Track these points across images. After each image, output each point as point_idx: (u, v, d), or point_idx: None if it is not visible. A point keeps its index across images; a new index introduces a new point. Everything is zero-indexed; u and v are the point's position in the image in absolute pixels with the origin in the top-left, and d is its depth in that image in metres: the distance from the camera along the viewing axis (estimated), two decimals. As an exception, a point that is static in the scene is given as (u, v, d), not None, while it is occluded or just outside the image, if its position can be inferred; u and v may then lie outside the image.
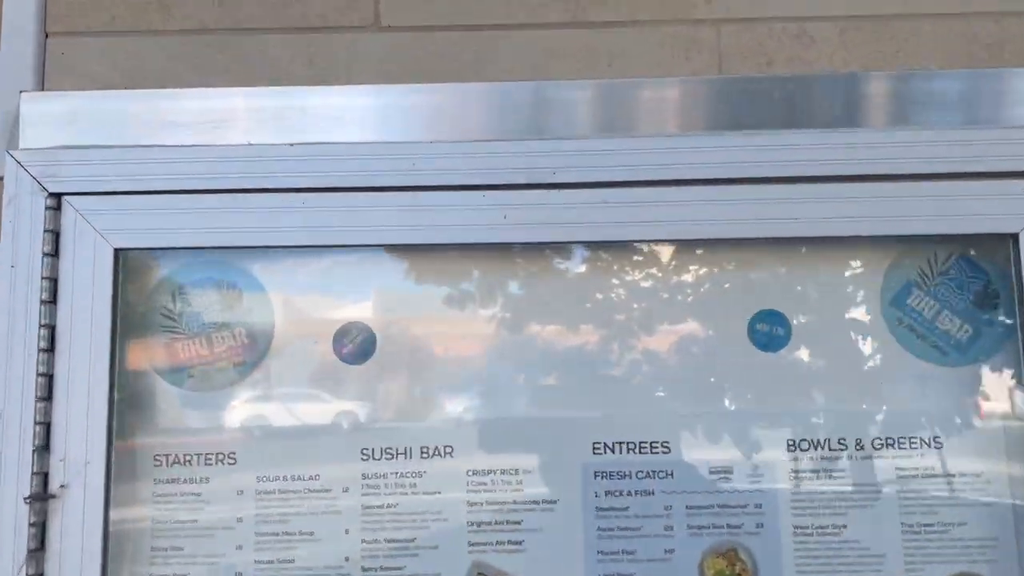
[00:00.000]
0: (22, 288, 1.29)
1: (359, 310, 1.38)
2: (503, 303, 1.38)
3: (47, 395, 1.28)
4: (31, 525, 1.25)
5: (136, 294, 1.37)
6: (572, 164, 1.31)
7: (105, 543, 1.27)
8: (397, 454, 1.34)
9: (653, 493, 1.31)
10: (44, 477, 1.27)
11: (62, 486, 1.27)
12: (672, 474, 1.32)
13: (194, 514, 1.32)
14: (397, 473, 1.33)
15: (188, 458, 1.34)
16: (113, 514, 1.29)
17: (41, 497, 1.26)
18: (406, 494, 1.32)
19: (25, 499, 1.25)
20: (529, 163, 1.31)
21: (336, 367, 1.37)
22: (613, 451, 1.33)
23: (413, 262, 1.39)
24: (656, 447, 1.33)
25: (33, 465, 1.26)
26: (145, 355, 1.36)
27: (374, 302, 1.39)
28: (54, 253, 1.31)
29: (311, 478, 1.33)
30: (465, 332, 1.38)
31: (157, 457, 1.34)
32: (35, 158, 1.33)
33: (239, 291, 1.38)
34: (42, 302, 1.29)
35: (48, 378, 1.28)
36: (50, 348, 1.29)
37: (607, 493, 1.32)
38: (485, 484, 1.32)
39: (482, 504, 1.32)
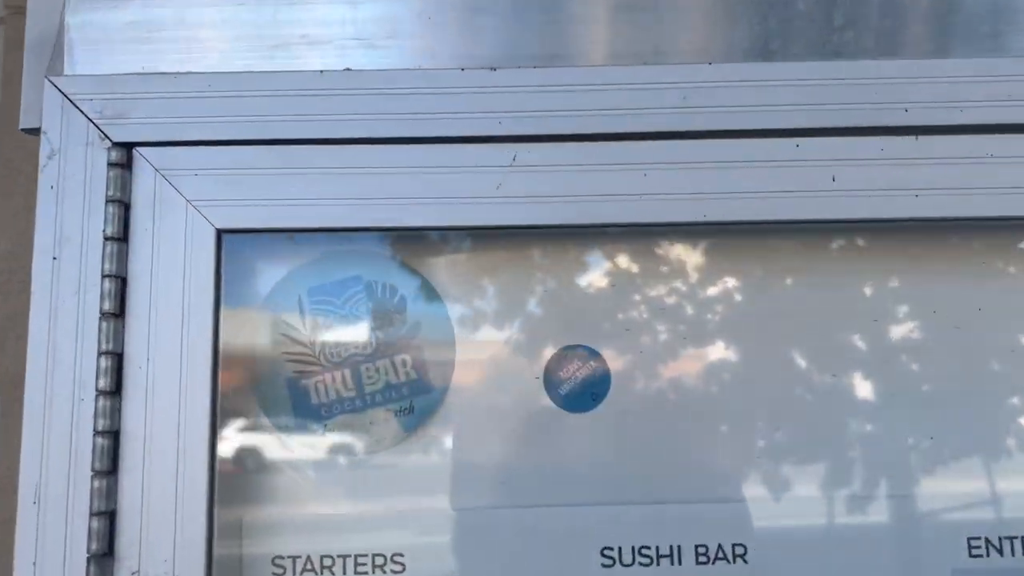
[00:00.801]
0: (69, 297, 0.80)
1: (585, 333, 0.90)
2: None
3: (109, 468, 0.79)
4: None
5: (240, 302, 0.89)
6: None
7: None
8: (659, 557, 0.85)
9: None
10: (105, 606, 0.78)
11: (135, 617, 0.78)
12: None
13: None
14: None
15: (328, 563, 0.85)
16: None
17: (101, 637, 0.76)
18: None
19: (75, 642, 0.76)
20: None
21: (552, 416, 0.88)
22: (1000, 552, 0.84)
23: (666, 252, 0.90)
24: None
25: (86, 584, 0.77)
26: (256, 399, 0.87)
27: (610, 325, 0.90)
28: (122, 237, 0.82)
29: (524, 595, 0.84)
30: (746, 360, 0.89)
31: (278, 563, 0.85)
32: (90, 88, 0.85)
33: (402, 300, 0.90)
34: (104, 315, 0.80)
35: (112, 458, 0.79)
36: (115, 391, 0.80)
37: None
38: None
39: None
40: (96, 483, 0.78)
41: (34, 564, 0.77)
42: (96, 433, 0.78)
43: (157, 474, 0.79)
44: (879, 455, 0.88)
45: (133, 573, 0.78)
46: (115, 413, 0.79)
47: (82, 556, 0.77)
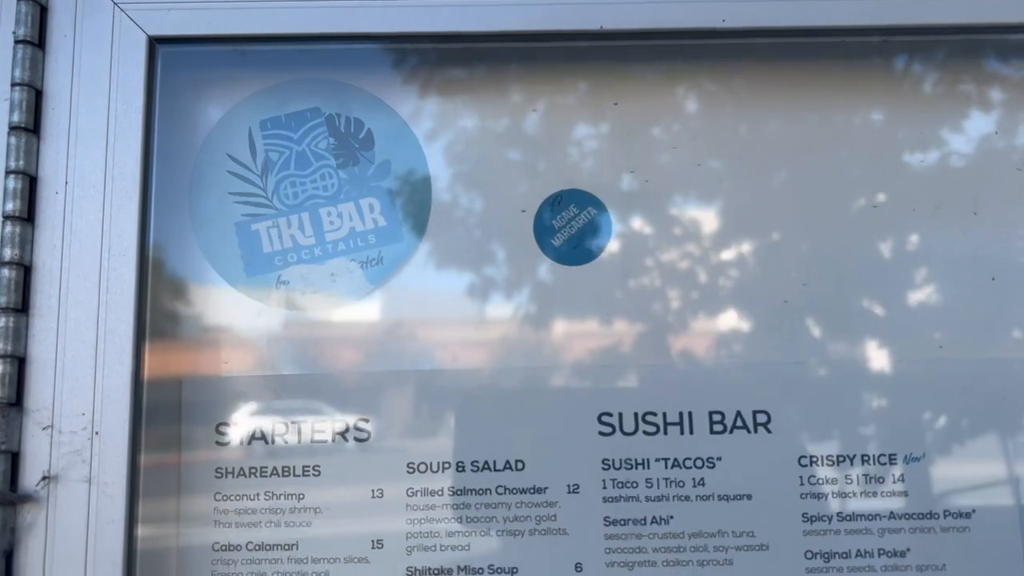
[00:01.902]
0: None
1: (583, 171, 0.77)
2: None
3: (19, 306, 0.67)
4: (-16, 555, 0.63)
5: (183, 136, 0.76)
6: None
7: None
8: (666, 425, 0.73)
9: None
10: (12, 461, 0.66)
11: (45, 478, 0.66)
12: None
13: (291, 533, 0.71)
14: (659, 462, 0.72)
15: (281, 430, 0.73)
16: (143, 541, 0.68)
17: (6, 499, 0.64)
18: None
19: (-28, 503, 0.64)
20: None
21: (543, 268, 0.76)
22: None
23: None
24: None
25: (-9, 437, 0.65)
26: (199, 243, 0.75)
27: (607, 156, 0.77)
28: (37, 42, 0.70)
29: (508, 466, 0.72)
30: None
31: (223, 431, 0.73)
32: None
33: (366, 132, 0.77)
34: (14, 129, 0.68)
35: (22, 278, 0.67)
36: (27, 218, 0.68)
37: None
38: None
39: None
40: (2, 321, 0.66)
41: (-72, 416, 0.65)
42: (2, 263, 0.66)
43: (75, 316, 0.67)
44: (908, 318, 0.75)
45: (45, 428, 0.66)
46: (26, 244, 0.67)
47: (-17, 405, 0.65)
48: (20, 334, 0.66)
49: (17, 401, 0.66)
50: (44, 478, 0.65)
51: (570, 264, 0.76)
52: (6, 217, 0.67)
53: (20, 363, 0.66)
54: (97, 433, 0.66)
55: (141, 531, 0.68)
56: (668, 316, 0.75)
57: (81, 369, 0.67)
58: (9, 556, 0.65)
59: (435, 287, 0.76)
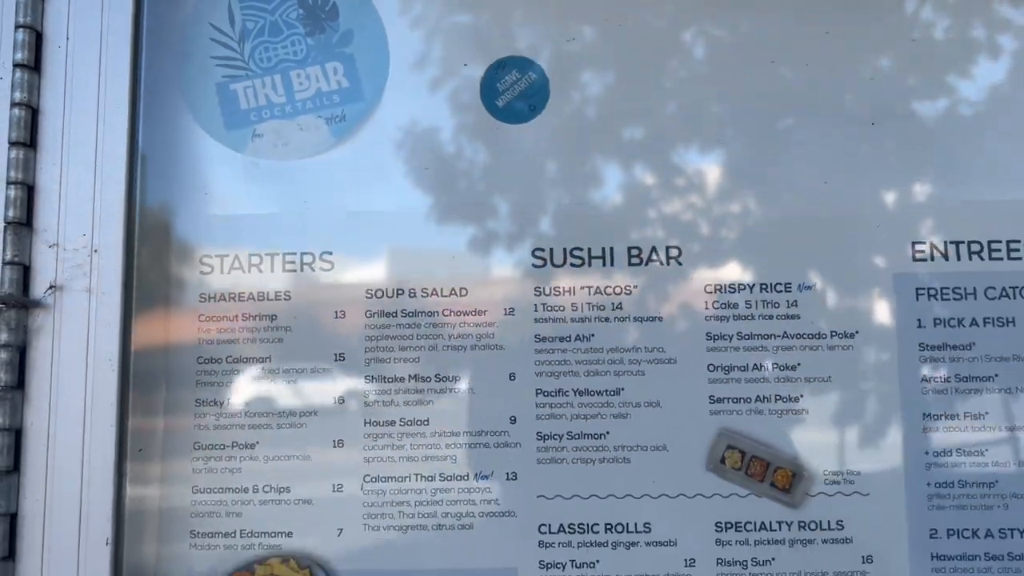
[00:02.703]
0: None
1: (522, 38, 0.87)
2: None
3: (28, 142, 0.78)
4: (2, 347, 0.75)
5: (170, 9, 0.86)
6: None
7: (123, 389, 0.77)
8: (589, 258, 0.84)
9: (1011, 321, 0.81)
10: (23, 272, 0.77)
11: (52, 288, 0.77)
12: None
13: (265, 348, 0.83)
14: (585, 289, 0.83)
15: (256, 261, 0.84)
16: (137, 343, 0.80)
17: (18, 303, 0.76)
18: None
19: (-9, 304, 0.75)
20: None
21: (488, 128, 0.86)
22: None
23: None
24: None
25: (4, 250, 0.76)
26: (184, 100, 0.86)
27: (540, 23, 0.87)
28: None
29: (453, 293, 0.83)
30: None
31: (206, 262, 0.84)
32: None
33: (332, 4, 0.87)
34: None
35: (30, 119, 0.78)
36: (34, 67, 0.78)
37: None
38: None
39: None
40: (13, 153, 0.77)
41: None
42: (13, 105, 0.77)
43: (76, 150, 0.78)
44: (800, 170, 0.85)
45: (51, 245, 0.77)
46: (33, 89, 0.78)
47: (-2, 224, 0.76)
48: (29, 165, 0.77)
49: (27, 222, 0.77)
50: (51, 287, 0.77)
51: (511, 123, 0.86)
52: (15, 65, 0.77)
53: (29, 190, 0.77)
54: (96, 251, 0.77)
55: (135, 334, 0.79)
56: (594, 166, 0.85)
57: (82, 195, 0.77)
58: (23, 353, 0.76)
59: (392, 140, 0.86)
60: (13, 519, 0.74)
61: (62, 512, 0.74)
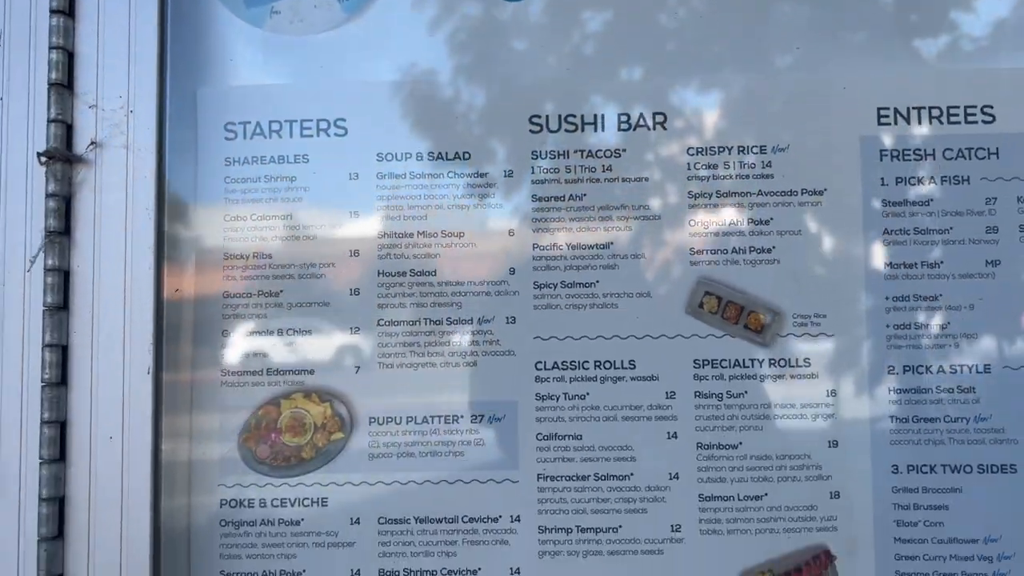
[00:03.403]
0: None
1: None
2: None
3: (67, 10, 0.85)
4: (50, 196, 0.83)
5: None
6: None
7: (159, 237, 0.86)
8: (582, 124, 0.91)
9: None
10: (67, 130, 0.85)
11: (93, 144, 0.85)
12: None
13: (286, 207, 0.90)
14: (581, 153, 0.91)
15: (276, 128, 0.92)
16: (170, 196, 0.88)
17: (63, 157, 0.83)
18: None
19: (40, 156, 0.83)
20: None
21: (495, 2, 0.93)
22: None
23: None
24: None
25: (49, 109, 0.84)
26: (208, -18, 0.92)
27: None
28: None
29: (455, 156, 0.91)
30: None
31: (230, 128, 0.92)
32: None
33: None
34: None
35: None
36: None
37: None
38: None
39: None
40: (54, 21, 0.84)
41: None
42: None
43: (111, 20, 0.85)
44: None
45: (91, 106, 0.85)
46: (70, -37, 0.85)
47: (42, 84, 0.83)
48: (69, 32, 0.84)
49: (68, 85, 0.84)
50: (92, 144, 0.84)
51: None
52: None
53: (70, 56, 0.85)
54: (131, 111, 0.85)
55: (168, 184, 0.87)
56: (588, 39, 0.92)
57: (118, 61, 0.85)
58: (68, 203, 0.84)
59: (400, 18, 0.93)
60: (64, 351, 0.83)
61: (108, 340, 0.83)
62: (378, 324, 0.89)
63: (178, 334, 0.88)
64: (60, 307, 0.82)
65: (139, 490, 0.82)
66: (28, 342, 0.82)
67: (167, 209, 0.87)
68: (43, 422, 0.81)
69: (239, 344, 0.89)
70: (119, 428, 0.82)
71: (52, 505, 0.81)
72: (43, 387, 0.81)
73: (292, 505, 0.88)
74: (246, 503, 0.88)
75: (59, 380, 0.82)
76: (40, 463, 0.81)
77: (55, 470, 0.81)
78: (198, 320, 0.89)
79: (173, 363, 0.88)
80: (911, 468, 0.87)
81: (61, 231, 0.83)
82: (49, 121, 0.83)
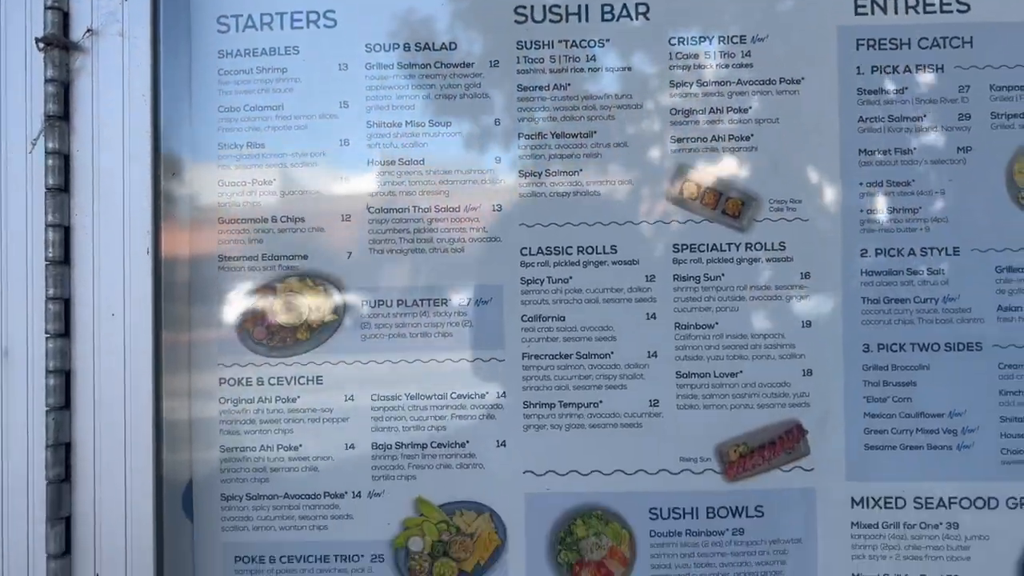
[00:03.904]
0: None
1: None
2: None
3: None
4: (48, 81, 0.85)
5: None
6: None
7: (155, 120, 0.88)
8: (566, 15, 0.93)
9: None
10: (63, 18, 0.87)
11: (90, 31, 0.87)
12: (967, 42, 0.91)
13: (278, 97, 0.93)
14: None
15: (267, 20, 0.94)
16: (165, 83, 0.90)
17: (60, 43, 0.86)
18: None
19: (37, 42, 0.85)
20: None
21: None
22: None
23: None
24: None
25: (45, -8, 0.86)
26: None
27: None
28: None
29: (443, 47, 0.93)
30: None
31: (223, 21, 0.94)
32: None
33: None
34: None
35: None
36: None
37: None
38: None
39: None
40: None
41: None
42: None
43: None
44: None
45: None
46: None
47: None
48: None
49: None
50: (88, 31, 0.87)
51: None
52: None
53: None
54: (126, 0, 0.87)
55: (163, 74, 0.89)
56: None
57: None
58: (67, 89, 0.86)
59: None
60: (67, 232, 0.86)
61: (108, 218, 0.86)
62: (368, 210, 0.92)
63: (175, 217, 0.92)
64: (61, 189, 0.86)
65: (141, 365, 0.86)
66: (32, 221, 0.85)
67: (162, 100, 0.90)
68: (48, 298, 0.85)
69: (233, 230, 0.92)
70: (120, 305, 0.86)
71: (59, 377, 0.85)
72: (47, 265, 0.85)
73: (288, 383, 0.92)
74: (244, 381, 0.92)
75: (62, 259, 0.85)
76: (46, 337, 0.85)
77: (60, 344, 0.85)
78: (193, 202, 0.92)
79: (171, 247, 0.91)
80: (881, 347, 0.91)
81: (60, 116, 0.86)
82: (46, 8, 0.85)
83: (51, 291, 0.85)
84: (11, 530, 0.85)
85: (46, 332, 0.85)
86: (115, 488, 0.85)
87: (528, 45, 0.93)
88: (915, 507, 0.91)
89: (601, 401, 0.92)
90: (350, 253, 0.92)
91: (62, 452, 0.85)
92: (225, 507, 0.92)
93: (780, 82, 0.92)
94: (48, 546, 0.84)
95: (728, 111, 0.92)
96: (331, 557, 0.92)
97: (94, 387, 0.86)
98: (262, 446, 0.92)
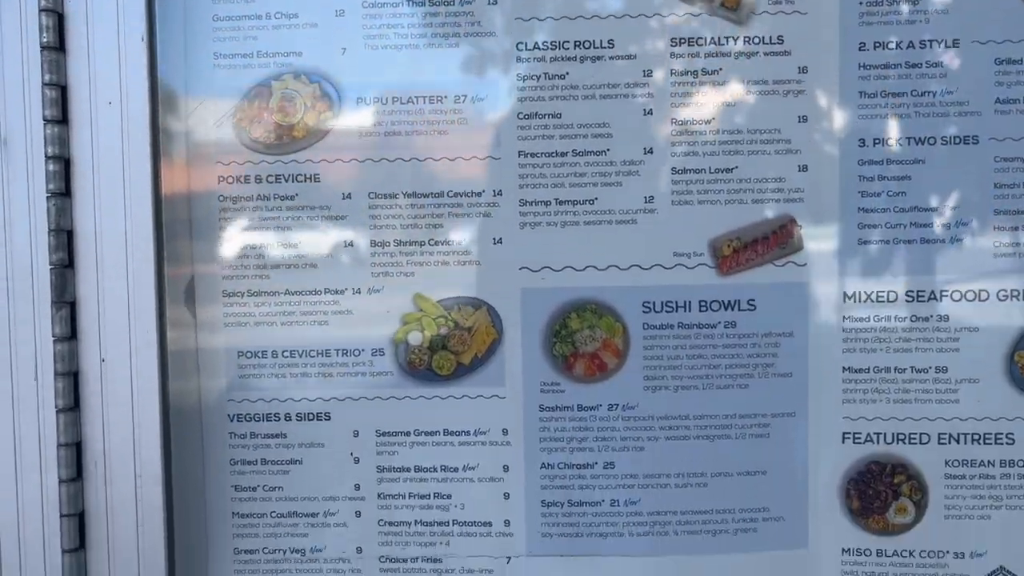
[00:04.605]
0: None
1: None
2: None
3: None
4: None
5: None
6: None
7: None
8: None
9: None
10: None
11: None
12: None
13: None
14: None
15: None
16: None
17: None
18: None
19: None
20: None
21: None
22: None
23: None
24: None
25: None
26: None
27: None
28: None
29: None
30: None
31: None
32: None
33: None
34: None
35: None
36: None
37: None
38: None
39: None
40: None
41: None
42: None
43: None
44: None
45: None
46: None
47: None
48: None
49: None
50: None
51: None
52: None
53: None
54: None
55: None
56: None
57: None
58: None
59: None
60: (60, 18, 0.86)
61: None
62: (363, 7, 0.92)
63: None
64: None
65: (139, 154, 0.87)
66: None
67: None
68: (44, 84, 0.85)
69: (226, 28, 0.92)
70: (117, 93, 0.86)
71: (58, 163, 0.86)
72: (42, 50, 0.85)
73: (286, 181, 0.93)
74: (241, 179, 0.93)
75: (58, 45, 0.85)
76: (44, 123, 0.85)
77: (58, 131, 0.86)
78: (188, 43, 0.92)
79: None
80: (877, 141, 0.91)
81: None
82: None
83: (47, 77, 0.85)
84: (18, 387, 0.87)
85: (44, 118, 0.85)
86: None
87: None
88: (907, 300, 0.92)
89: (596, 198, 0.92)
90: (344, 49, 0.92)
91: (64, 237, 0.86)
92: (227, 303, 0.94)
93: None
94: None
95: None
96: (332, 351, 0.94)
97: (93, 177, 0.87)
98: (261, 243, 0.93)
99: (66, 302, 0.87)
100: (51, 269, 0.86)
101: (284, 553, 0.96)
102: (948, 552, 0.94)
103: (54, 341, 0.86)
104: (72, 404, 0.87)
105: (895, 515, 0.93)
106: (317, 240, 0.93)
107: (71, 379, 0.87)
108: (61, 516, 0.87)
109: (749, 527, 0.94)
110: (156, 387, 0.88)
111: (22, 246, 0.86)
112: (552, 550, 0.94)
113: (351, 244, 0.93)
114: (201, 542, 0.95)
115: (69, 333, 0.87)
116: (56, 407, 0.86)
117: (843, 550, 0.94)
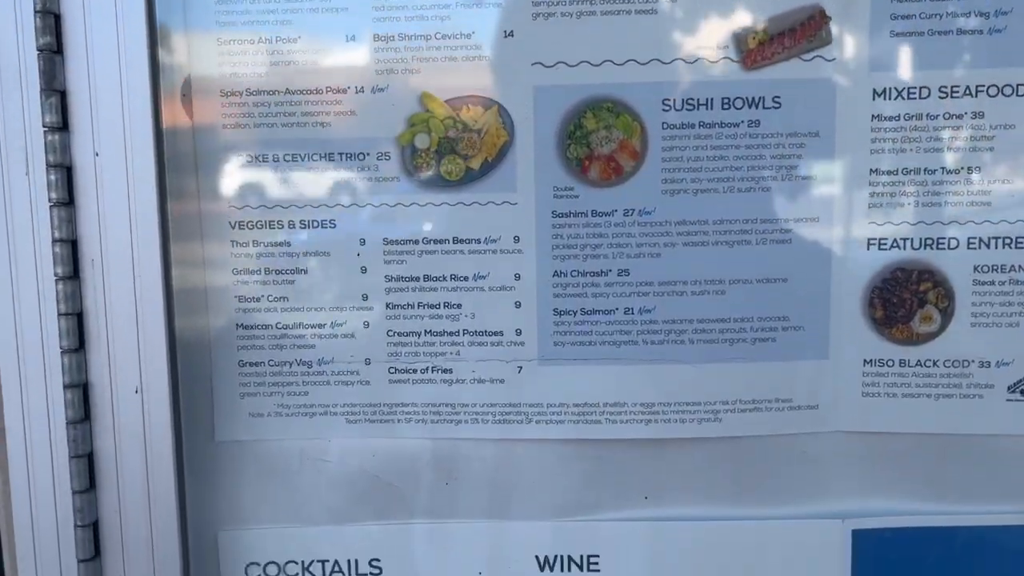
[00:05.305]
0: None
1: None
2: None
3: None
4: None
5: None
6: None
7: None
8: None
9: None
10: None
11: None
12: None
13: None
14: None
15: None
16: None
17: None
18: None
19: None
20: None
21: None
22: None
23: None
24: None
25: None
26: None
27: None
28: None
29: None
30: None
31: None
32: None
33: None
34: None
35: None
36: None
37: None
38: None
39: None
40: None
41: None
42: None
43: None
44: None
45: None
46: None
47: None
48: None
49: None
50: None
51: None
52: None
53: None
54: None
55: None
56: None
57: None
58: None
59: None
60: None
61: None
62: None
63: None
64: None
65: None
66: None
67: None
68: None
69: None
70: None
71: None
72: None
73: (284, -29, 0.88)
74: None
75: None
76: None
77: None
78: None
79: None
80: (915, -77, 0.85)
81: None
82: None
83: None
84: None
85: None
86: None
87: None
88: (940, 96, 0.87)
89: (616, -17, 0.87)
90: None
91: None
92: (225, 103, 0.89)
93: None
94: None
95: None
96: (336, 155, 0.90)
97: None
98: (260, 38, 0.88)
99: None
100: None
101: (290, 365, 0.93)
102: (973, 361, 0.91)
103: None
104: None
105: (920, 323, 0.90)
106: (317, 33, 0.88)
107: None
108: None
109: (768, 336, 0.91)
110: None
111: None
112: (564, 357, 0.92)
113: (353, 37, 0.88)
114: (204, 355, 0.93)
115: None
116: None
117: (864, 360, 0.92)
